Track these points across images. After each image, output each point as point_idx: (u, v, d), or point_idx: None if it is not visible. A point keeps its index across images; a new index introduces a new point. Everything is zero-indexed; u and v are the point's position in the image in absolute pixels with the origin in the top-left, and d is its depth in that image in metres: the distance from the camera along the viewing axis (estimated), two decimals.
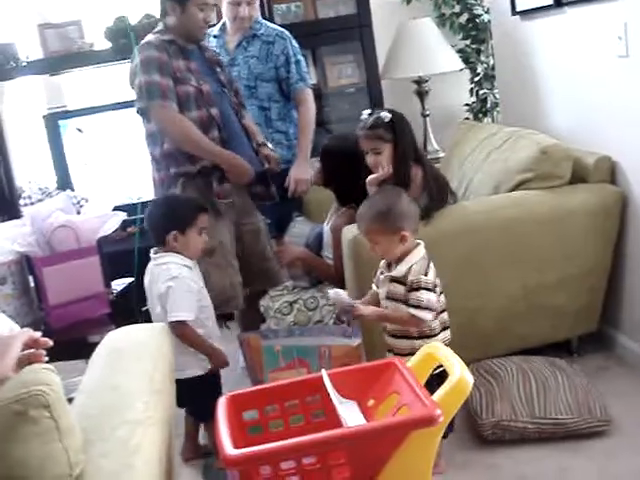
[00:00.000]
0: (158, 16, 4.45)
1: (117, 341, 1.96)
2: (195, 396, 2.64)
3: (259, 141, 3.36)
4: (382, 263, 2.53)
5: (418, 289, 2.35)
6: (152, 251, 2.76)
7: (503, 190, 3.16)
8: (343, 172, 3.11)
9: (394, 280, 2.42)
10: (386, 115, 2.87)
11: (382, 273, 2.50)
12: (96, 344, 1.97)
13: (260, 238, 3.35)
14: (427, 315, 2.36)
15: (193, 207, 2.77)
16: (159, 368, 1.85)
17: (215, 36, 3.79)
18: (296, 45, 3.79)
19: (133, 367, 1.79)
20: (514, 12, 3.82)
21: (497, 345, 3.09)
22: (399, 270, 2.41)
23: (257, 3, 3.75)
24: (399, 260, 2.43)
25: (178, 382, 2.10)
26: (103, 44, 4.38)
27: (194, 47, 3.24)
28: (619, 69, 2.99)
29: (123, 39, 4.30)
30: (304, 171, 3.60)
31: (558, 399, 2.69)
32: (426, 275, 2.37)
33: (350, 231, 2.86)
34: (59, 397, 1.28)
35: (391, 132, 2.86)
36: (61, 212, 3.05)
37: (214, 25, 3.73)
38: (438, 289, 2.42)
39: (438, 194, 2.92)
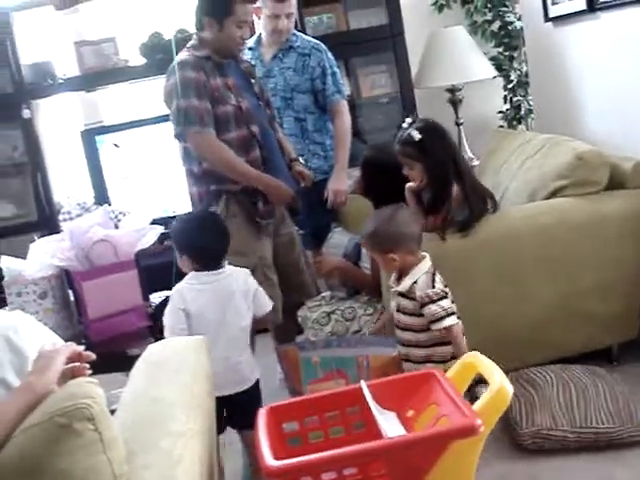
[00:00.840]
0: (191, 31, 4.55)
1: (156, 354, 1.98)
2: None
3: (292, 157, 3.39)
4: (393, 276, 2.56)
5: (428, 303, 2.39)
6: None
7: (539, 198, 3.13)
8: (382, 182, 3.11)
9: (400, 294, 2.49)
10: (415, 135, 2.84)
11: (391, 287, 2.54)
12: (136, 357, 1.99)
13: (295, 248, 3.37)
14: (452, 320, 2.39)
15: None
16: (198, 381, 1.87)
17: (250, 48, 3.80)
18: (332, 57, 3.80)
19: (173, 380, 1.81)
20: (547, 19, 3.81)
21: (535, 353, 3.06)
22: (404, 285, 2.46)
23: (295, 15, 3.78)
24: (405, 273, 2.47)
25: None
26: (138, 60, 4.45)
27: (230, 61, 3.24)
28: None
29: (159, 54, 4.35)
30: (342, 182, 3.60)
31: (599, 408, 2.66)
32: (433, 287, 2.41)
33: None
34: (102, 409, 1.30)
35: (420, 152, 2.86)
36: (99, 227, 3.08)
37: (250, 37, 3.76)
38: (450, 296, 2.45)
39: (477, 208, 2.91)
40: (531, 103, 4.74)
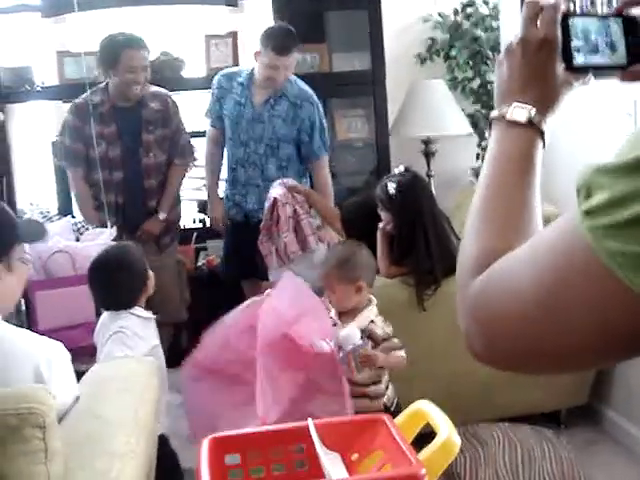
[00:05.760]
0: (175, 55, 4.56)
1: (105, 372, 1.94)
2: None
3: (161, 212, 3.81)
4: (333, 312, 2.54)
5: (389, 339, 2.44)
6: None
7: None
8: (363, 234, 3.09)
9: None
10: (391, 188, 2.87)
11: (335, 324, 2.51)
12: (83, 373, 1.95)
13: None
14: (404, 353, 2.45)
15: None
16: (144, 403, 1.83)
17: (241, 84, 3.78)
18: (322, 111, 3.84)
19: (118, 399, 1.77)
20: None
21: (485, 410, 3.06)
22: (360, 322, 2.46)
23: (293, 67, 3.76)
24: (351, 314, 2.48)
25: None
26: None
27: (130, 104, 3.61)
28: None
29: None
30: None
31: (543, 470, 2.65)
32: (388, 326, 2.48)
33: None
34: (54, 420, 1.26)
35: (391, 204, 2.88)
36: (60, 237, 3.04)
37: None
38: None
39: (441, 259, 2.89)
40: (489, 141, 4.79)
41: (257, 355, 2.25)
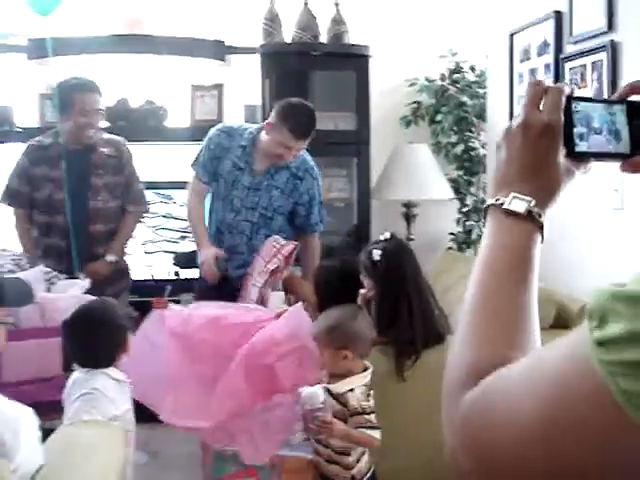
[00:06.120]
0: (158, 103, 4.52)
1: (71, 437, 1.84)
2: None
3: (108, 254, 3.78)
4: (324, 372, 2.46)
5: (361, 414, 2.32)
6: None
7: None
8: (337, 299, 2.99)
9: (330, 393, 2.36)
10: (375, 255, 2.78)
11: (320, 381, 2.43)
12: (48, 430, 1.85)
13: None
14: (377, 434, 2.32)
15: None
16: (110, 472, 1.73)
17: (243, 147, 3.51)
18: (321, 184, 3.68)
19: (83, 469, 1.67)
20: None
21: None
22: (338, 387, 2.36)
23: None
24: (341, 376, 2.38)
25: None
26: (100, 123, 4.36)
27: (81, 148, 3.65)
28: (614, 221, 2.99)
29: (122, 121, 4.31)
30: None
31: None
32: (368, 401, 2.34)
33: None
34: None
35: (374, 272, 2.79)
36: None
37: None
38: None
39: (423, 329, 2.80)
40: (483, 230, 4.78)
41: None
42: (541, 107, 0.91)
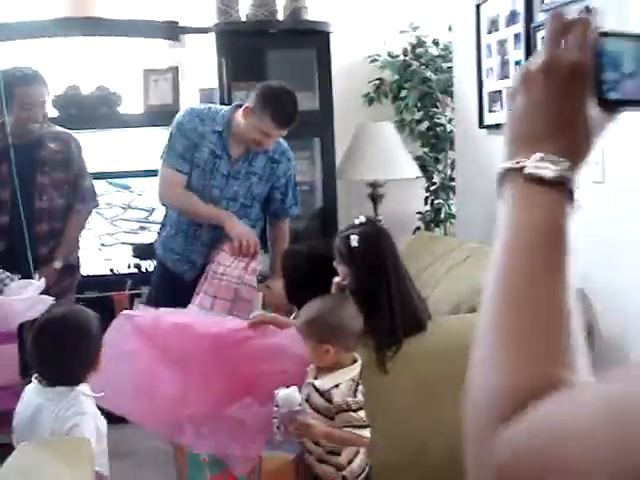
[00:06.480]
0: (111, 89, 4.33)
1: (27, 456, 1.68)
2: None
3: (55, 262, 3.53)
4: (312, 366, 2.35)
5: (346, 411, 2.20)
6: None
7: (464, 309, 2.97)
8: (305, 285, 2.84)
9: (316, 389, 2.26)
10: (353, 241, 2.62)
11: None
12: (6, 445, 1.70)
13: None
14: (367, 432, 2.21)
15: None
16: None
17: (218, 132, 3.27)
18: (296, 166, 3.54)
19: None
20: (481, 125, 3.74)
21: (454, 477, 2.85)
22: (323, 383, 2.26)
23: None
24: (328, 370, 2.28)
25: None
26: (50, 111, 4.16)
27: (27, 143, 3.40)
28: (594, 195, 2.88)
29: (72, 109, 4.11)
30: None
31: None
32: (355, 397, 2.23)
33: None
34: None
35: (351, 258, 2.63)
36: None
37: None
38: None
39: (403, 317, 2.66)
40: (452, 207, 4.67)
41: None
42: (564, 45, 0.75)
